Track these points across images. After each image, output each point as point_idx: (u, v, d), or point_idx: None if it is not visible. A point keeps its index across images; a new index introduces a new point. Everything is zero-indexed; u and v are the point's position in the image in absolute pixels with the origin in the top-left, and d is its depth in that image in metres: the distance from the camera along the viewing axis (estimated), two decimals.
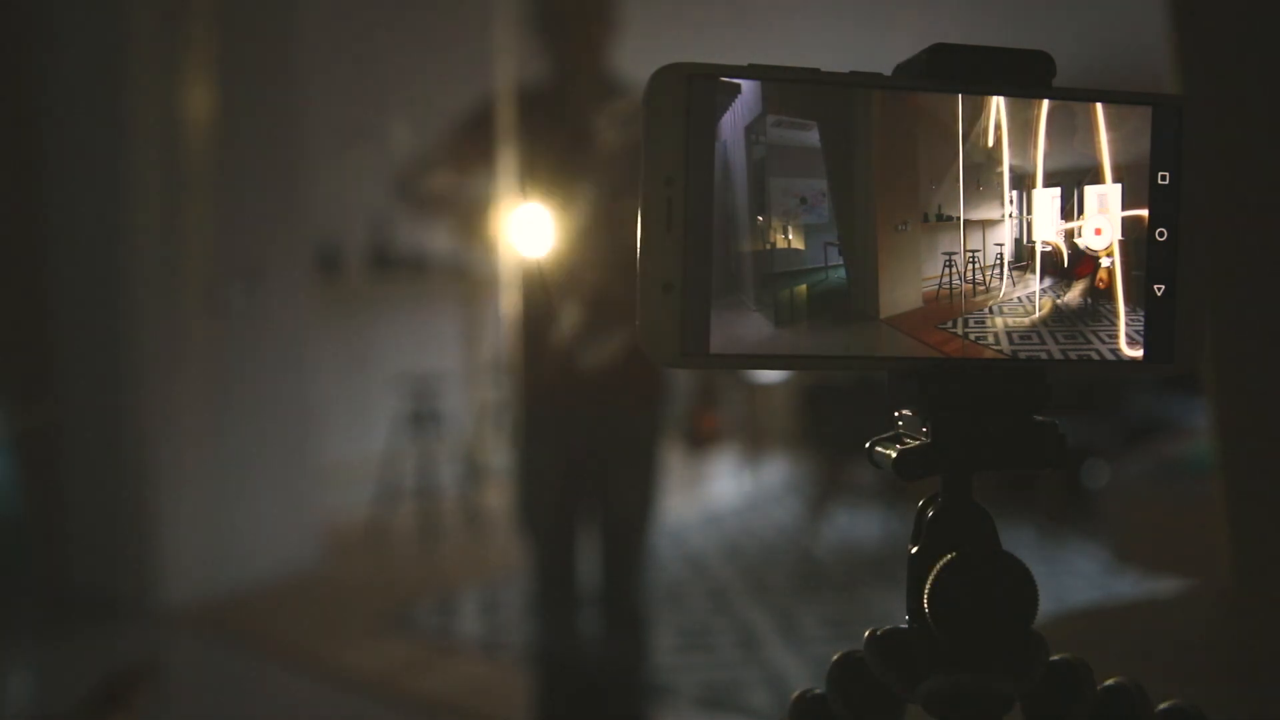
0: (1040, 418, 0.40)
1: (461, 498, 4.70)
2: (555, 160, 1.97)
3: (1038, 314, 0.39)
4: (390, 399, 4.70)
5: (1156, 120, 0.39)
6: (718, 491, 5.40)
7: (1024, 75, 0.38)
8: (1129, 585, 3.28)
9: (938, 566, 0.39)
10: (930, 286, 0.38)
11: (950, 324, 0.38)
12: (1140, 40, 2.71)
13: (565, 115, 1.98)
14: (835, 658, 0.41)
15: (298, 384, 3.89)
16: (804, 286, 0.37)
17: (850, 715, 0.39)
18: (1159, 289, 0.40)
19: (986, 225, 0.39)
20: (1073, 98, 0.39)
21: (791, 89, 0.37)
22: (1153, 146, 0.39)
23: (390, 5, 4.76)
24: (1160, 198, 0.39)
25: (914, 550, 0.40)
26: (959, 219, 0.38)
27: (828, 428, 4.30)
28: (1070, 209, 0.39)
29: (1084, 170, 0.39)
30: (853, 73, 0.37)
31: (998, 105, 0.38)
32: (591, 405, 2.01)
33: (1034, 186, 0.39)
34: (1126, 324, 0.39)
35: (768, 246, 0.37)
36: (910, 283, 0.38)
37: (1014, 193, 0.39)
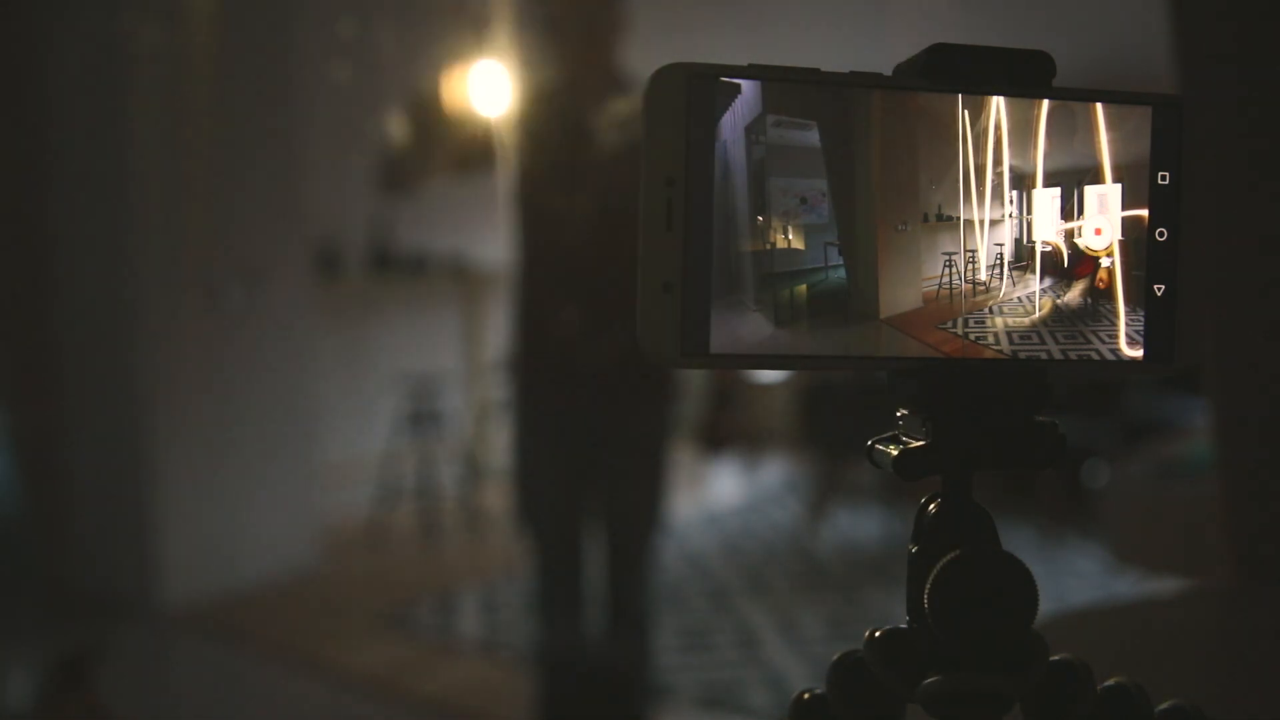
0: (1040, 418, 0.40)
1: (461, 498, 4.70)
2: (561, 161, 1.96)
3: (1038, 314, 0.39)
4: (390, 399, 4.70)
5: (1156, 120, 0.39)
6: (718, 491, 5.40)
7: (1024, 75, 0.39)
8: (1129, 585, 3.28)
9: (938, 566, 0.39)
10: (930, 286, 0.38)
11: (950, 324, 0.38)
12: (1140, 40, 2.71)
13: (572, 116, 1.97)
14: (835, 658, 0.41)
15: (298, 384, 3.89)
16: (804, 286, 0.37)
17: (850, 715, 0.40)
18: (1159, 289, 0.40)
19: (986, 225, 0.39)
20: (1073, 98, 0.39)
21: (791, 89, 0.37)
22: (1153, 146, 0.39)
23: (389, 5, 4.76)
24: (1160, 198, 0.39)
25: (914, 550, 0.40)
26: (959, 219, 0.38)
27: (828, 428, 4.30)
28: (1070, 209, 0.39)
29: (1084, 170, 0.39)
30: (853, 73, 0.37)
31: (998, 105, 0.38)
32: (597, 403, 2.01)
33: (1034, 186, 0.39)
34: (1126, 324, 0.39)
35: (768, 246, 0.37)
36: (910, 283, 0.38)
37: (1014, 193, 0.39)
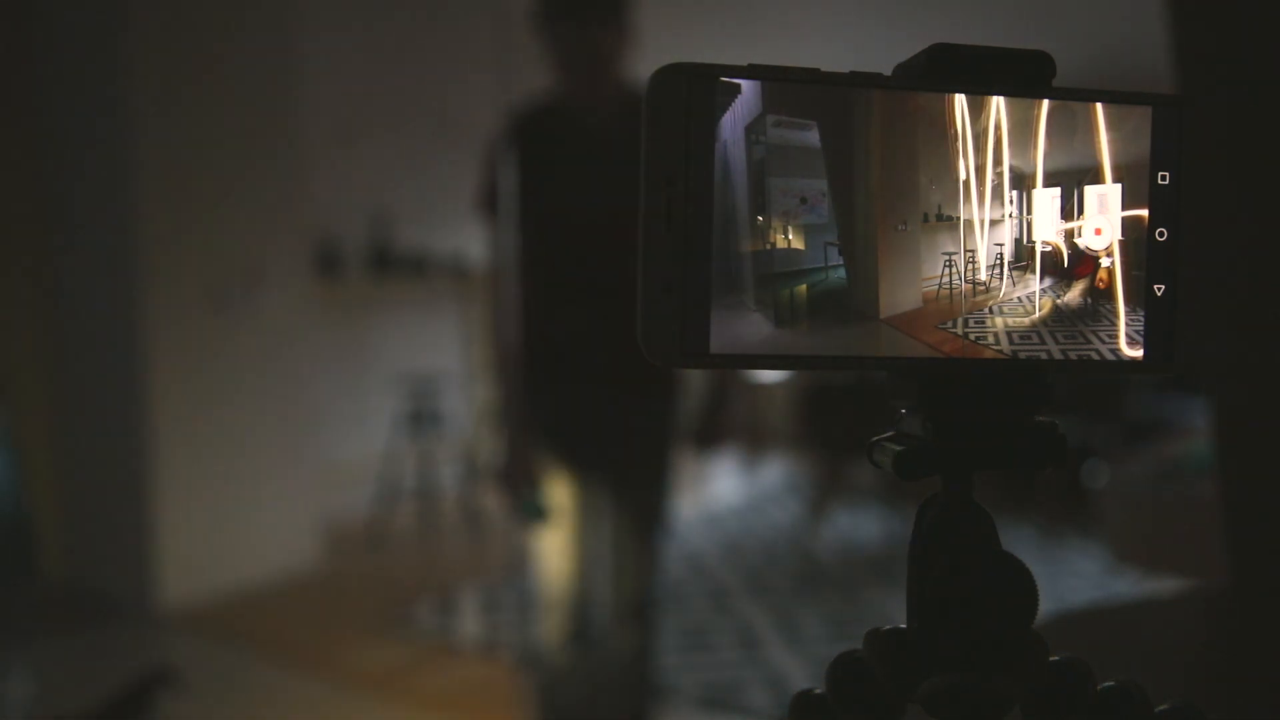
0: (1040, 418, 0.40)
1: (461, 498, 4.70)
2: (569, 172, 1.95)
3: (1038, 314, 0.39)
4: (390, 399, 4.70)
5: (1156, 120, 0.39)
6: (718, 491, 5.40)
7: (1024, 75, 0.38)
8: (1129, 585, 3.28)
9: (938, 567, 0.39)
10: (930, 286, 0.38)
11: (950, 324, 0.38)
12: (1140, 40, 2.71)
13: (582, 127, 1.96)
14: (835, 658, 0.41)
15: (298, 384, 3.89)
16: (804, 286, 0.37)
17: (850, 715, 0.39)
18: (1159, 289, 0.40)
19: (986, 225, 0.39)
20: (1073, 98, 0.39)
21: (791, 89, 0.37)
22: (1153, 146, 0.39)
23: (390, 5, 4.76)
24: (1160, 198, 0.39)
25: (914, 550, 0.40)
26: (959, 219, 0.38)
27: (828, 428, 4.30)
28: (1070, 209, 0.39)
29: (1084, 170, 0.39)
30: (853, 73, 0.37)
31: (998, 105, 0.38)
32: (602, 401, 2.01)
33: (1034, 186, 0.39)
34: (1126, 324, 0.39)
35: (768, 246, 0.37)
36: (910, 283, 0.38)
37: (1014, 193, 0.39)
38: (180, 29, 3.48)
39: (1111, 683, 0.41)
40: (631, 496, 2.06)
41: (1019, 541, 3.97)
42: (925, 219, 0.38)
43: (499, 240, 2.00)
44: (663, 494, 2.09)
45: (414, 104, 4.95)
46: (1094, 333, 0.39)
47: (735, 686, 2.80)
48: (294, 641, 3.19)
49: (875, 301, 0.38)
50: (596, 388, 2.00)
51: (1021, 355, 0.39)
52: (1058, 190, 0.39)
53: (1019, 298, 0.39)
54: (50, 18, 3.57)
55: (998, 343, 0.39)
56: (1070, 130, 0.39)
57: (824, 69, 0.37)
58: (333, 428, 4.41)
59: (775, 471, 5.80)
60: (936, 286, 0.38)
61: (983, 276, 0.39)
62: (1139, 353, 0.40)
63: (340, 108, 4.59)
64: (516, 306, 1.98)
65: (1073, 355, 0.39)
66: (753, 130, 0.36)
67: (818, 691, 0.41)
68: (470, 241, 5.19)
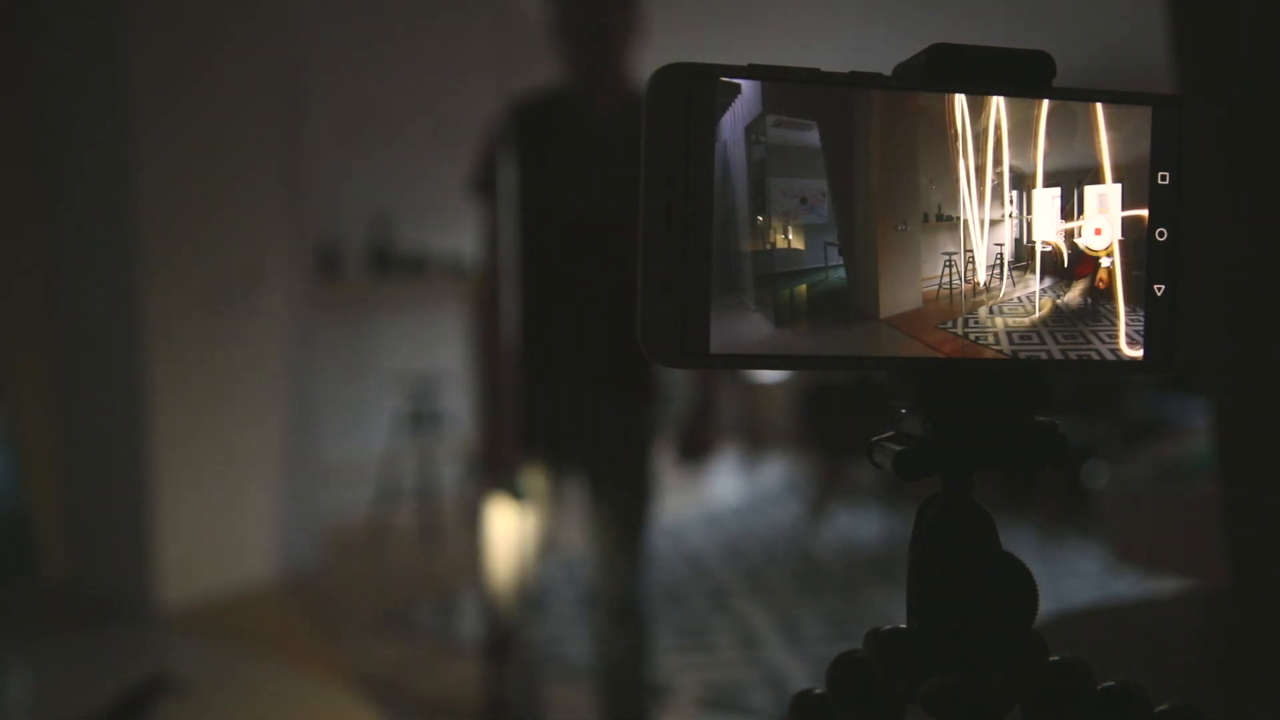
0: (1040, 418, 0.40)
1: (461, 498, 4.70)
2: (565, 167, 1.95)
3: (1038, 314, 0.39)
4: (390, 399, 4.70)
5: (1156, 120, 0.39)
6: (718, 491, 5.40)
7: (1024, 75, 0.38)
8: (1129, 585, 3.28)
9: (938, 567, 0.39)
10: (930, 286, 0.38)
11: (950, 324, 0.38)
12: (1140, 40, 2.71)
13: (585, 124, 1.95)
14: (835, 658, 0.41)
15: (298, 384, 3.89)
16: (804, 286, 0.37)
17: (850, 715, 0.39)
18: (1159, 289, 0.40)
19: (986, 225, 0.39)
20: (1073, 98, 0.39)
21: (791, 89, 0.37)
22: (1153, 146, 0.39)
23: (392, 5, 4.76)
24: (1160, 198, 0.39)
25: (914, 550, 0.40)
26: (959, 219, 0.38)
27: (828, 428, 4.30)
28: (1070, 209, 0.39)
29: (1084, 170, 0.39)
30: (853, 73, 0.37)
31: (998, 105, 0.38)
32: (583, 400, 2.00)
33: (1034, 186, 0.39)
34: (1126, 324, 0.39)
35: (768, 246, 0.37)
36: (910, 283, 0.38)
37: (1014, 193, 0.39)
38: (180, 29, 3.48)
39: (1111, 683, 0.41)
40: (611, 496, 2.05)
41: (1019, 541, 3.97)
42: (925, 219, 0.38)
43: (490, 226, 1.98)
44: (644, 495, 2.07)
45: (414, 105, 4.95)
46: (1094, 333, 0.39)
47: (735, 686, 2.80)
48: (294, 641, 3.19)
49: (875, 301, 0.38)
50: (579, 386, 1.99)
51: (1021, 355, 0.39)
52: (1058, 190, 0.39)
53: (1019, 298, 0.39)
54: (50, 18, 3.57)
55: (998, 343, 0.39)
56: (1070, 130, 0.39)
57: (824, 69, 0.37)
58: (333, 428, 4.41)
59: (775, 471, 5.80)
60: (936, 286, 0.38)
61: (983, 276, 0.39)
62: (1139, 353, 0.40)
63: (340, 108, 4.59)
64: (504, 297, 1.96)
65: (1073, 355, 0.39)
66: (753, 130, 0.36)
67: (818, 691, 0.41)
68: (470, 242, 5.19)
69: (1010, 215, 0.39)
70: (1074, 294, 0.39)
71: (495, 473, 1.96)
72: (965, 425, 0.39)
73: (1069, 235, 0.39)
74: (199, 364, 3.55)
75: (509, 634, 2.09)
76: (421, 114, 4.96)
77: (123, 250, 3.45)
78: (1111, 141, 0.39)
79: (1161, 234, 0.39)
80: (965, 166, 0.38)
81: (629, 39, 1.94)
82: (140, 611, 3.43)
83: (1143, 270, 0.39)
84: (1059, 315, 0.39)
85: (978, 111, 0.38)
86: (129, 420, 3.48)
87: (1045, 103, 0.38)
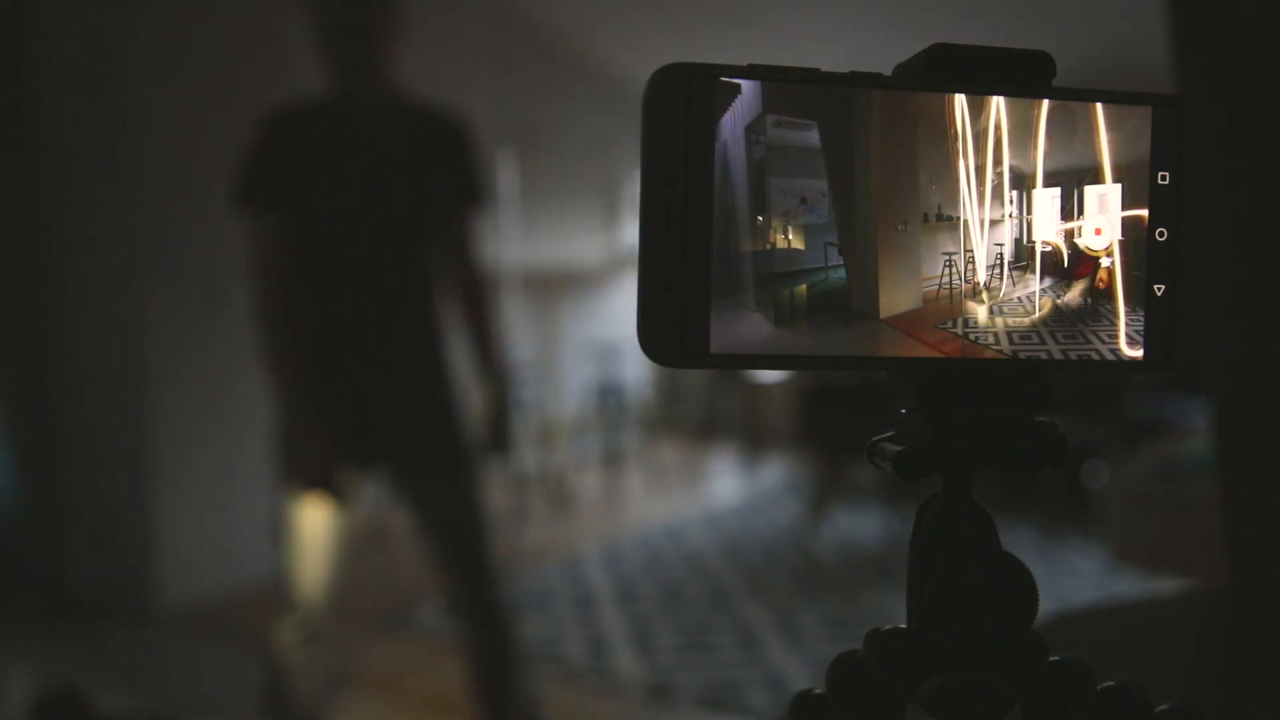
0: (1040, 418, 0.40)
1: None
2: (335, 177, 1.92)
3: (1038, 314, 0.39)
4: None
5: (1156, 120, 0.39)
6: (718, 491, 5.40)
7: (1024, 75, 0.39)
8: (1129, 585, 3.28)
9: (938, 567, 0.39)
10: (930, 286, 0.38)
11: (950, 324, 0.38)
12: (1140, 40, 2.71)
13: (350, 125, 1.94)
14: (835, 658, 0.41)
15: None
16: (804, 286, 0.37)
17: (850, 715, 0.40)
18: (1159, 289, 0.40)
19: (986, 225, 0.39)
20: (1073, 98, 0.39)
21: (791, 89, 0.37)
22: (1153, 146, 0.39)
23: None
24: (1160, 198, 0.39)
25: (914, 550, 0.40)
26: (959, 219, 0.38)
27: (828, 428, 4.30)
28: (1070, 209, 0.39)
29: (1084, 170, 0.39)
30: (853, 73, 0.37)
31: (998, 105, 0.38)
32: (377, 401, 1.96)
33: (1034, 186, 0.39)
34: (1126, 324, 0.39)
35: (768, 246, 0.37)
36: (910, 283, 0.38)
37: (1014, 193, 0.39)
38: (180, 28, 3.48)
39: (1111, 683, 0.41)
40: (424, 495, 2.02)
41: (1019, 541, 3.98)
42: (925, 219, 0.38)
43: (260, 236, 1.93)
44: (459, 489, 2.03)
45: None
46: (1094, 333, 0.39)
47: (735, 686, 2.80)
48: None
49: (875, 301, 0.38)
50: (369, 385, 1.96)
51: (1021, 355, 0.39)
52: (1058, 190, 0.39)
53: (1019, 298, 0.39)
54: (50, 17, 3.57)
55: (998, 343, 0.39)
56: (1070, 130, 0.39)
57: (824, 69, 0.37)
58: None
59: (775, 471, 5.81)
60: (936, 286, 0.38)
61: (983, 276, 0.39)
62: (1139, 353, 0.40)
63: None
64: (284, 299, 1.90)
65: (1073, 355, 0.39)
66: (753, 130, 0.36)
67: (818, 691, 0.41)
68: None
69: (1010, 215, 0.39)
70: (1074, 294, 0.39)
71: (311, 474, 1.90)
72: (965, 425, 0.39)
73: (1069, 235, 0.39)
74: (198, 364, 3.55)
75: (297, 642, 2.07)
76: None
77: (122, 250, 3.45)
78: (1111, 141, 0.39)
79: (1161, 234, 0.39)
80: (965, 166, 0.38)
81: (391, 39, 1.93)
82: (140, 611, 3.44)
83: (1143, 270, 0.39)
84: (1059, 315, 0.39)
85: (978, 111, 0.38)
86: (128, 420, 3.48)
87: (1045, 103, 0.38)
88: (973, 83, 0.38)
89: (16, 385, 3.69)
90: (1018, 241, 0.39)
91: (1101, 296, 0.39)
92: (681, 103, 0.36)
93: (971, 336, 0.38)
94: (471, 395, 2.13)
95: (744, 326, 0.36)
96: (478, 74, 4.63)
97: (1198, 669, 0.90)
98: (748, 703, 2.70)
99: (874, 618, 3.24)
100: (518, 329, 5.21)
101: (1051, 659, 0.40)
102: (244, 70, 3.64)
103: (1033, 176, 0.39)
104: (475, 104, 4.40)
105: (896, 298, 0.38)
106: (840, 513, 4.58)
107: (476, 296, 2.09)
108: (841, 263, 0.37)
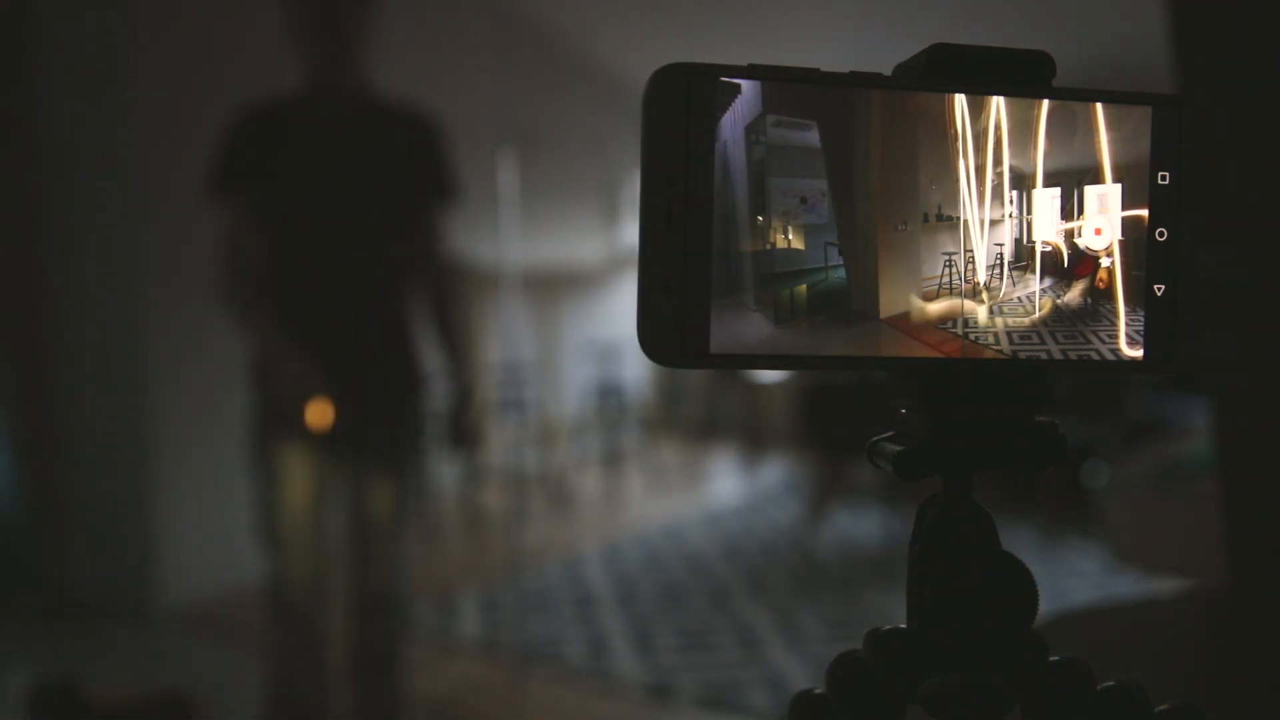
0: (1040, 418, 0.40)
1: (461, 498, 4.70)
2: (305, 170, 1.93)
3: (1038, 314, 0.39)
4: None
5: (1156, 120, 0.39)
6: (718, 491, 5.40)
7: (1024, 75, 0.39)
8: (1129, 585, 3.28)
9: (938, 566, 0.39)
10: (930, 286, 0.38)
11: (950, 324, 0.38)
12: (1140, 40, 2.71)
13: (323, 121, 1.96)
14: (835, 658, 0.41)
15: None
16: (804, 286, 0.37)
17: (850, 715, 0.40)
18: (1159, 289, 0.40)
19: (986, 225, 0.39)
20: (1073, 98, 0.39)
21: (791, 89, 0.37)
22: (1153, 146, 0.39)
23: (392, 5, 4.75)
24: (1160, 198, 0.39)
25: (914, 550, 0.40)
26: (959, 219, 0.38)
27: (828, 428, 4.30)
28: (1070, 209, 0.39)
29: (1084, 170, 0.39)
30: (853, 73, 0.37)
31: (998, 105, 0.38)
32: (347, 396, 1.95)
33: (1034, 186, 0.39)
34: (1126, 324, 0.39)
35: (768, 246, 0.37)
36: (910, 283, 0.38)
37: (1014, 193, 0.39)
38: (180, 29, 3.48)
39: (1111, 683, 0.41)
40: (377, 490, 2.04)
41: (1019, 541, 3.98)
42: (925, 219, 0.38)
43: (233, 224, 1.96)
44: (398, 488, 2.05)
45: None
46: (1094, 333, 0.39)
47: (735, 686, 2.80)
48: None
49: (875, 301, 0.38)
50: (341, 381, 1.95)
51: (1021, 355, 0.39)
52: (1058, 190, 0.39)
53: (1019, 298, 0.39)
54: (50, 17, 3.56)
55: (998, 343, 0.39)
56: (1070, 130, 0.39)
57: (824, 69, 0.37)
58: None
59: (775, 471, 5.81)
60: (936, 286, 0.38)
61: (983, 276, 0.39)
62: (1139, 353, 0.40)
63: None
64: (256, 287, 1.94)
65: (1073, 355, 0.39)
66: (753, 130, 0.36)
67: (818, 691, 0.41)
68: (470, 241, 5.18)
69: (1010, 215, 0.39)
70: (1074, 294, 0.39)
71: (301, 387, 1.88)
72: (965, 425, 0.39)
73: (1069, 235, 0.39)
74: (198, 364, 3.55)
75: (297, 599, 2.08)
76: None
77: (122, 250, 3.45)
78: (1111, 141, 0.39)
79: (1161, 234, 0.39)
80: (965, 166, 0.38)
81: (364, 36, 1.96)
82: (140, 611, 3.43)
83: (1143, 270, 0.39)
84: (1059, 315, 0.39)
85: (978, 111, 0.38)
86: (128, 420, 3.48)
87: (1045, 103, 0.38)
88: (973, 83, 0.38)
89: (16, 385, 3.69)
90: (1018, 241, 0.39)
91: (1101, 296, 0.39)
92: (681, 103, 0.36)
93: (971, 336, 0.38)
94: (439, 391, 2.14)
95: (744, 326, 0.36)
96: (478, 74, 4.63)
97: (1198, 669, 0.90)
98: (748, 703, 2.70)
99: (874, 618, 3.24)
100: (518, 329, 5.20)
101: (1051, 659, 0.40)
102: (244, 70, 3.64)
103: (1033, 176, 0.39)
104: (475, 104, 4.40)
105: (896, 298, 0.38)
106: (840, 513, 4.58)
107: (444, 293, 2.11)
108: (841, 263, 0.37)
